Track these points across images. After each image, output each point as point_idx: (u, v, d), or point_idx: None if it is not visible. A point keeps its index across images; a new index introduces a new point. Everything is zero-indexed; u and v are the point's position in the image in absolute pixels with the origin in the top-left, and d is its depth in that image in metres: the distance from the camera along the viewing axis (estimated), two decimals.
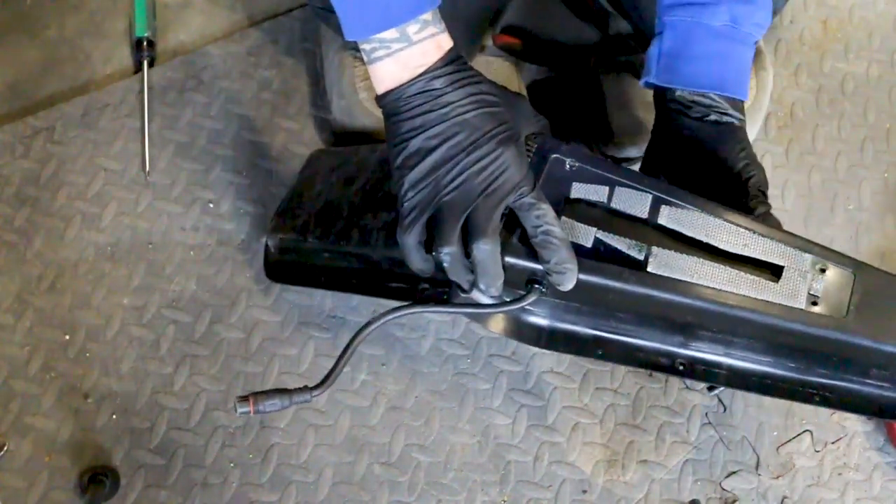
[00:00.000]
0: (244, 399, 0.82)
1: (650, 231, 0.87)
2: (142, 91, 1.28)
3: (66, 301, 1.16)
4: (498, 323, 0.93)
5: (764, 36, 1.27)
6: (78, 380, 1.12)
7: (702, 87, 0.98)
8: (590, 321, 0.92)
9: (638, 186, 0.89)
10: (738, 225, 0.87)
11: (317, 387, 0.84)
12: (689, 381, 1.12)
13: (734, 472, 1.09)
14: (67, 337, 1.14)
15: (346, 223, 1.01)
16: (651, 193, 0.88)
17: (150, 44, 1.32)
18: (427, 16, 0.80)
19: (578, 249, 0.85)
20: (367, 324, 0.86)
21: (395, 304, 0.88)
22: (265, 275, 1.14)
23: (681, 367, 0.91)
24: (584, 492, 1.08)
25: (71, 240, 1.20)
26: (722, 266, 0.85)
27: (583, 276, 0.84)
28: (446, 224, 0.81)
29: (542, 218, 0.82)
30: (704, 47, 0.98)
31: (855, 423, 1.12)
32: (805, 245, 0.86)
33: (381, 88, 0.82)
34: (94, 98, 1.29)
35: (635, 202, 0.88)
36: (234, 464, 1.09)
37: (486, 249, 0.81)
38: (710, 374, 0.91)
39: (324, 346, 1.14)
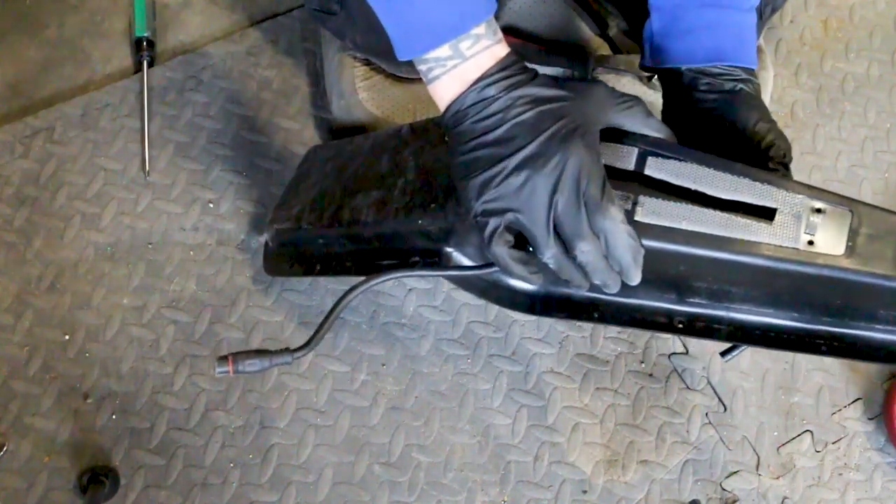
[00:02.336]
0: (223, 359, 0.81)
1: (637, 182, 0.85)
2: (142, 91, 1.28)
3: (65, 301, 1.16)
4: (488, 291, 0.91)
5: (764, 36, 1.27)
6: (78, 380, 1.12)
7: (697, 62, 0.95)
8: None
9: (622, 140, 0.87)
10: (727, 171, 0.84)
11: (298, 349, 0.83)
12: (689, 381, 1.12)
13: (734, 473, 1.09)
14: (67, 337, 1.14)
15: (338, 206, 1.01)
16: (636, 146, 0.86)
17: (150, 44, 1.32)
18: (479, 30, 0.78)
19: None
20: (353, 288, 0.85)
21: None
22: (264, 271, 1.14)
23: (680, 325, 0.88)
24: (585, 492, 1.08)
25: (71, 240, 1.20)
26: (712, 211, 0.82)
27: None
28: (535, 229, 0.78)
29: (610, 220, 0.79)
30: (693, 20, 0.95)
31: (855, 424, 1.12)
32: (798, 187, 0.84)
33: (442, 105, 0.81)
34: (94, 98, 1.29)
35: (620, 155, 0.86)
36: (234, 464, 1.09)
37: (589, 250, 0.78)
38: (710, 331, 0.88)
39: (324, 346, 1.14)
